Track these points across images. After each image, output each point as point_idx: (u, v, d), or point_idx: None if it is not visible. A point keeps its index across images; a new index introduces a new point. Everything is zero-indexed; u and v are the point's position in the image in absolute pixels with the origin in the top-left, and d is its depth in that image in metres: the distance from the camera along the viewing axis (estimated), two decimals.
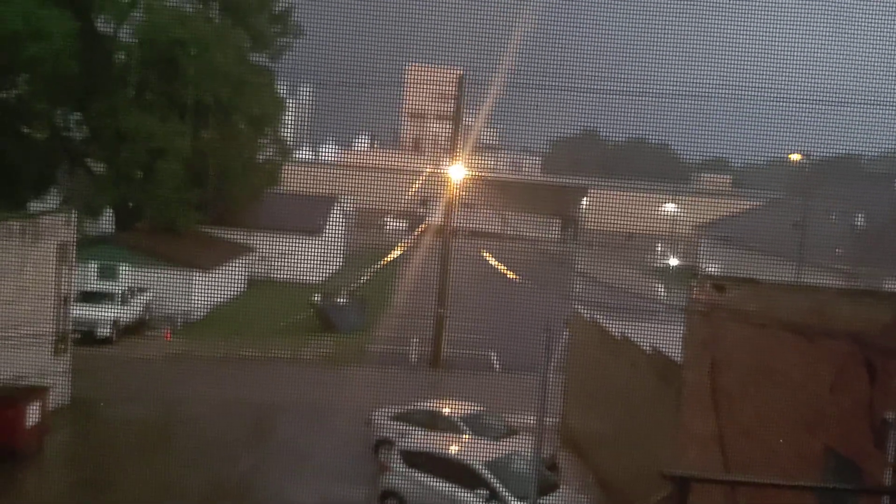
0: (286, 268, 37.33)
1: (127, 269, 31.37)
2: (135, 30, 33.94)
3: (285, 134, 43.32)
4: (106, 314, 27.78)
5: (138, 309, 30.21)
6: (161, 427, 20.41)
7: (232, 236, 37.93)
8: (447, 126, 30.70)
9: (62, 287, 20.58)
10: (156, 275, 31.01)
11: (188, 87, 33.63)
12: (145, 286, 30.98)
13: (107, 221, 36.89)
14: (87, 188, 36.69)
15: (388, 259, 29.61)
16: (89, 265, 30.24)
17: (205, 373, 25.03)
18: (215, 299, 32.94)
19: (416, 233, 32.58)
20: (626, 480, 15.64)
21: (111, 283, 30.19)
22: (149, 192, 33.60)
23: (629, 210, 48.48)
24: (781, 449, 10.16)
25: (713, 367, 11.97)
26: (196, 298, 31.58)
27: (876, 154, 49.31)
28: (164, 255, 32.04)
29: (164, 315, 30.76)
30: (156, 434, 19.92)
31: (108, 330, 27.71)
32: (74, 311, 22.31)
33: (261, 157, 39.94)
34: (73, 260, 21.42)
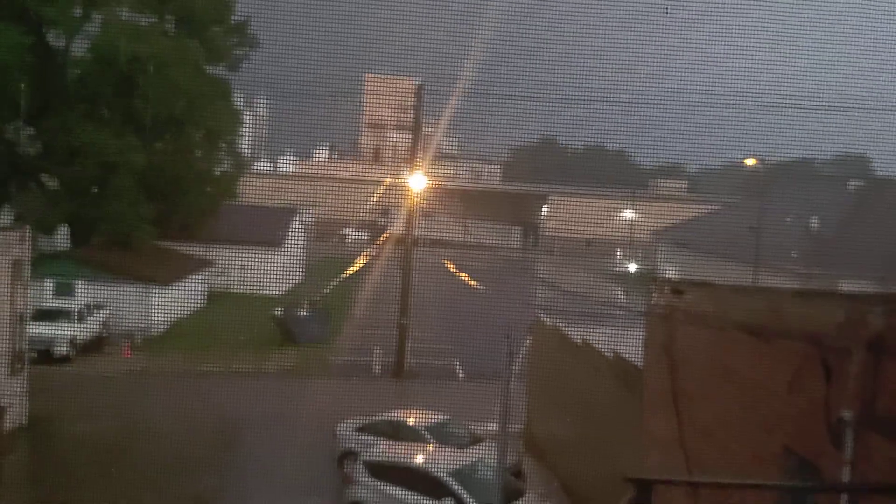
0: (246, 281, 37.05)
1: (84, 285, 30.91)
2: (90, 45, 33.53)
3: (242, 146, 43.04)
4: (63, 332, 27.32)
5: (96, 326, 29.75)
6: (122, 445, 20.07)
7: (190, 250, 37.53)
8: (407, 136, 30.75)
9: (17, 305, 20.19)
10: (113, 290, 30.56)
11: (143, 102, 33.31)
12: (103, 302, 30.51)
13: (62, 237, 36.30)
14: (40, 204, 36.09)
15: (350, 270, 29.54)
16: (45, 282, 29.74)
17: (166, 388, 24.69)
18: (175, 314, 32.54)
19: (377, 243, 32.56)
20: (590, 485, 15.73)
21: (68, 300, 29.71)
22: (103, 207, 33.14)
23: (589, 216, 48.94)
24: (741, 449, 10.29)
25: (672, 369, 12.10)
26: (155, 313, 31.19)
27: (829, 157, 50.36)
28: (121, 270, 31.61)
29: (123, 331, 30.34)
30: (116, 452, 19.59)
31: (66, 348, 27.25)
32: (30, 330, 21.91)
33: (217, 169, 39.62)
34: (28, 277, 21.04)
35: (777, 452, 9.63)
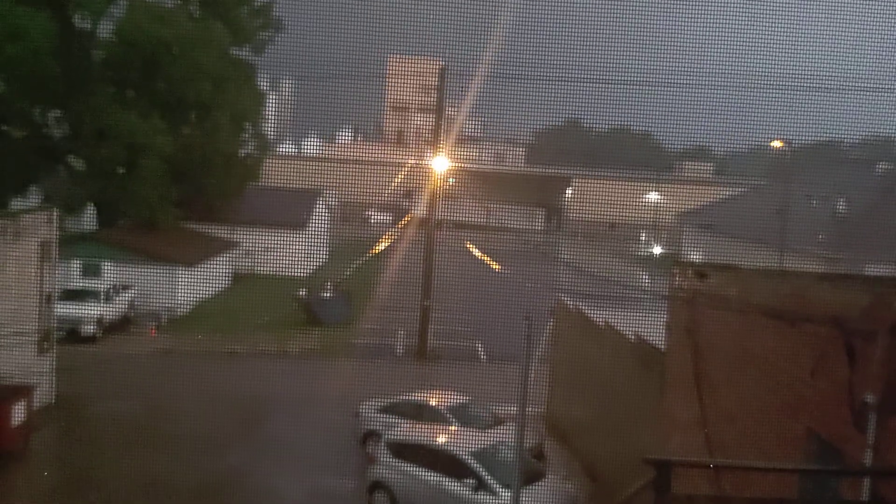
0: (271, 262, 37.28)
1: (110, 266, 31.22)
2: (115, 28, 33.71)
3: (267, 128, 43.18)
4: (90, 312, 27.65)
5: (122, 306, 30.09)
6: (148, 423, 20.34)
7: (216, 232, 37.80)
8: (430, 118, 30.70)
9: (45, 285, 20.47)
10: (140, 271, 30.89)
11: (169, 85, 33.49)
12: (129, 283, 30.85)
13: (90, 219, 36.68)
14: (68, 186, 36.47)
15: (373, 252, 29.61)
16: (72, 263, 30.08)
17: (191, 368, 24.96)
18: (200, 295, 32.85)
19: (400, 225, 32.60)
20: (611, 467, 15.75)
21: (95, 281, 30.05)
22: (130, 189, 33.41)
23: (613, 199, 48.65)
24: (763, 433, 10.27)
25: (696, 353, 12.08)
26: (181, 294, 31.48)
27: (856, 139, 49.70)
28: (147, 251, 31.91)
29: (149, 311, 30.65)
30: (142, 430, 19.84)
31: (93, 327, 27.58)
32: (58, 310, 22.20)
33: (242, 152, 39.81)
34: (56, 258, 21.30)
35: (800, 436, 9.61)
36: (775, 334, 10.24)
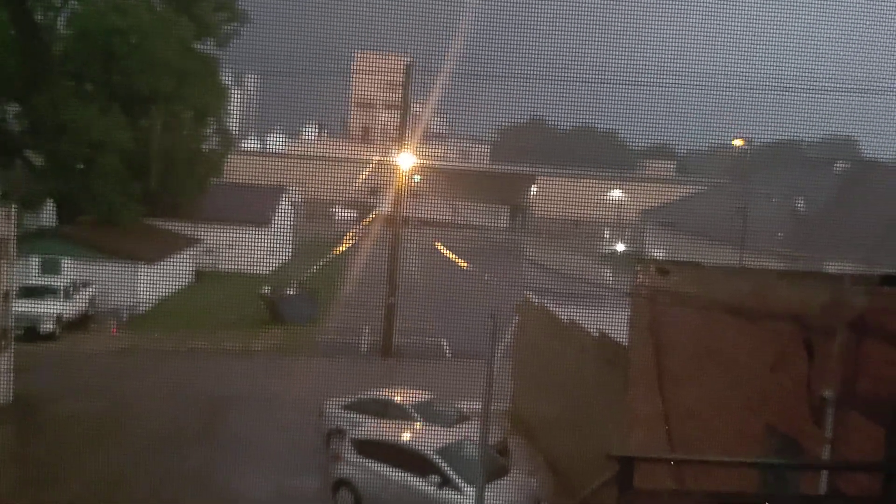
0: (234, 259, 36.97)
1: (70, 262, 30.77)
2: (72, 19, 33.20)
3: (230, 124, 42.79)
4: (49, 309, 27.22)
5: (82, 303, 29.65)
6: (108, 423, 20.07)
7: (178, 228, 37.39)
8: (396, 115, 30.63)
9: (3, 282, 20.12)
10: (100, 268, 30.45)
11: (127, 77, 33.00)
12: (89, 280, 30.40)
13: (49, 215, 36.09)
14: (26, 181, 35.85)
15: (338, 249, 29.50)
16: (31, 260, 29.60)
17: (153, 366, 24.68)
18: (162, 292, 32.47)
19: (365, 222, 32.49)
20: (575, 462, 15.86)
21: (54, 278, 29.59)
22: (89, 185, 32.94)
23: (577, 197, 48.93)
24: (724, 428, 10.41)
25: (658, 349, 12.20)
26: (142, 291, 31.11)
27: (816, 139, 50.46)
28: (107, 248, 31.48)
29: (110, 309, 30.26)
30: (102, 430, 19.59)
31: (52, 325, 27.16)
32: (16, 307, 21.82)
33: (205, 147, 39.41)
34: (14, 254, 20.94)
35: (760, 431, 9.75)
36: (736, 331, 10.38)
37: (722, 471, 9.74)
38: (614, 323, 14.63)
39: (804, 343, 8.99)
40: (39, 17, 33.57)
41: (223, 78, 39.81)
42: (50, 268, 30.41)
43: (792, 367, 9.18)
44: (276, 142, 66.23)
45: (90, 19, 32.06)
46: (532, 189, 62.26)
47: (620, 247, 49.68)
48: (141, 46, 32.14)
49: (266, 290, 31.25)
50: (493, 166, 69.62)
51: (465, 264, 26.08)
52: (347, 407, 18.74)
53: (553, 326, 18.56)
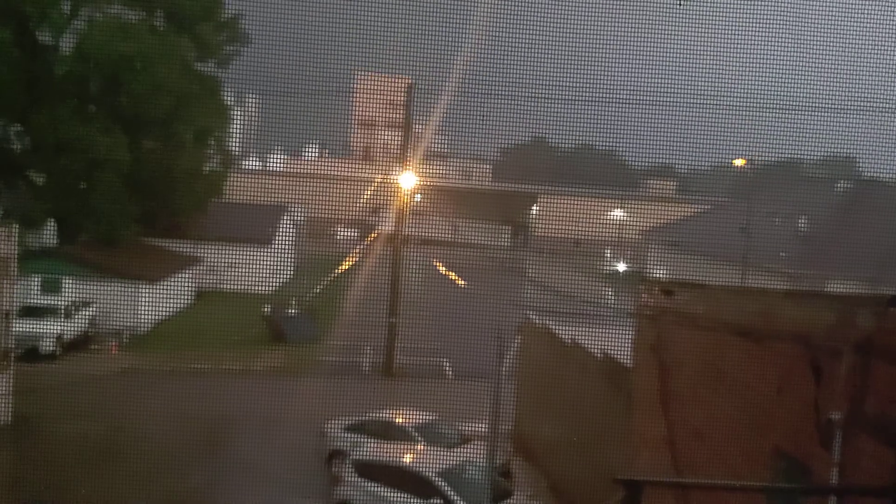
0: (236, 279, 36.87)
1: (71, 282, 30.69)
2: (77, 43, 33.29)
3: (232, 143, 42.83)
4: (50, 329, 27.13)
5: (83, 323, 29.56)
6: (108, 443, 19.94)
7: (179, 248, 37.34)
8: (397, 134, 30.68)
9: (3, 302, 20.06)
10: (101, 288, 30.38)
11: (132, 100, 33.09)
12: (90, 300, 30.32)
13: (50, 234, 36.04)
14: (28, 201, 35.83)
15: (340, 268, 29.43)
16: (32, 279, 29.53)
17: (153, 387, 24.53)
18: (163, 312, 32.37)
19: (367, 241, 32.45)
20: (578, 485, 15.71)
21: (55, 297, 29.50)
22: (90, 205, 32.92)
23: (578, 216, 48.93)
24: (731, 450, 10.28)
25: (662, 370, 12.09)
26: (143, 311, 31.01)
27: (817, 158, 50.44)
28: (108, 267, 31.41)
29: (111, 329, 30.16)
30: (103, 451, 19.45)
31: (52, 345, 27.06)
32: (16, 327, 21.75)
33: (206, 167, 39.43)
34: (15, 274, 20.89)
35: (767, 453, 9.62)
36: (742, 352, 10.27)
37: (729, 495, 9.62)
38: (618, 343, 14.53)
39: (811, 364, 8.88)
40: (42, 37, 33.69)
41: (224, 98, 39.90)
42: (51, 287, 30.33)
43: (798, 389, 9.07)
44: (277, 161, 66.36)
45: (93, 41, 32.14)
46: (534, 208, 62.28)
47: (622, 266, 49.58)
48: (145, 70, 32.21)
49: (267, 309, 31.16)
50: (495, 185, 69.68)
51: (466, 284, 26.02)
52: (349, 428, 18.63)
53: (555, 347, 18.45)
